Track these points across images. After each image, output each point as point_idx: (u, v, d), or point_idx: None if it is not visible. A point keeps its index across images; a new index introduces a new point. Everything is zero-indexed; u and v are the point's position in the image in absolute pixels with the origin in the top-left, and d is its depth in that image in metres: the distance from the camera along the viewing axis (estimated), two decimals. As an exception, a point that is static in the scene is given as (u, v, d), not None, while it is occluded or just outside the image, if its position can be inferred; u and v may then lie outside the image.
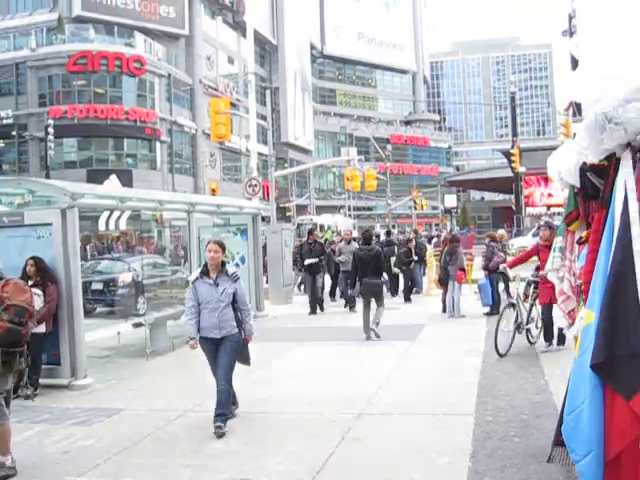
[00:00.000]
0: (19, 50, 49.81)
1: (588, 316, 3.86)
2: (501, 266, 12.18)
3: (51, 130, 39.76)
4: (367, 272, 12.15)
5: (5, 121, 48.57)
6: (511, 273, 11.29)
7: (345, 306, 16.84)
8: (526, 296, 10.80)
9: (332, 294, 19.26)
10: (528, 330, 10.66)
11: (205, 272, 6.85)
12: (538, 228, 36.62)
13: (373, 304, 12.29)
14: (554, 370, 8.58)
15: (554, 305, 8.99)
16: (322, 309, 16.95)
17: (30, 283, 8.27)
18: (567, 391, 4.21)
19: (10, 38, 51.54)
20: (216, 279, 6.79)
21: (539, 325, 10.77)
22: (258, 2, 65.41)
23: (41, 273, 8.80)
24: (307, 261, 17.06)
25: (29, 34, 50.34)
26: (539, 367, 9.11)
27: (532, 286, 10.64)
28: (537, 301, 10.54)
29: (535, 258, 10.70)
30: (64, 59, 47.47)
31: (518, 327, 10.32)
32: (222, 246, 6.92)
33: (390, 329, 12.28)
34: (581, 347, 3.93)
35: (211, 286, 6.77)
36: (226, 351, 6.75)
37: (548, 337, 10.28)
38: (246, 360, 7.08)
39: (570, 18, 22.82)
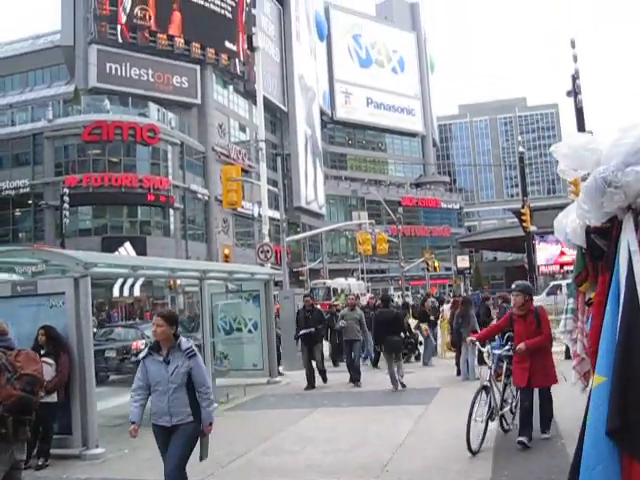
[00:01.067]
0: (37, 121, 50.84)
1: (598, 380, 3.83)
2: (468, 339, 10.11)
3: (66, 199, 40.32)
4: (390, 331, 13.83)
5: (22, 190, 49.21)
6: (482, 347, 8.89)
7: (350, 381, 15.14)
8: (497, 374, 8.91)
9: (334, 360, 18.66)
10: (502, 416, 8.76)
11: (156, 348, 5.92)
12: (552, 287, 36.54)
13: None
14: (571, 432, 8.43)
15: (534, 389, 8.32)
16: (324, 380, 15.54)
17: (42, 352, 8.31)
18: (580, 450, 4.13)
19: (28, 110, 52.72)
20: (167, 356, 5.82)
21: (515, 409, 8.87)
22: (268, 71, 66.94)
23: (53, 342, 8.83)
24: (302, 331, 15.31)
25: (46, 106, 51.46)
26: (555, 429, 8.93)
27: (505, 362, 8.85)
28: (511, 380, 8.75)
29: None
30: (80, 129, 48.37)
31: (491, 414, 8.41)
32: (170, 318, 5.93)
33: (405, 393, 12.15)
34: (593, 409, 3.88)
35: (161, 364, 5.83)
36: (177, 443, 5.77)
37: (526, 431, 8.14)
38: (204, 453, 6.05)
39: (574, 79, 23.12)
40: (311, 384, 14.97)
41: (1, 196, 49.23)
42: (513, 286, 8.60)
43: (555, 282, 39.59)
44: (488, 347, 8.94)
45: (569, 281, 6.01)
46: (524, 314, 8.28)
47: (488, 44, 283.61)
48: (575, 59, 23.01)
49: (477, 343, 8.89)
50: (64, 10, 53.25)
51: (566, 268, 45.51)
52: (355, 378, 14.99)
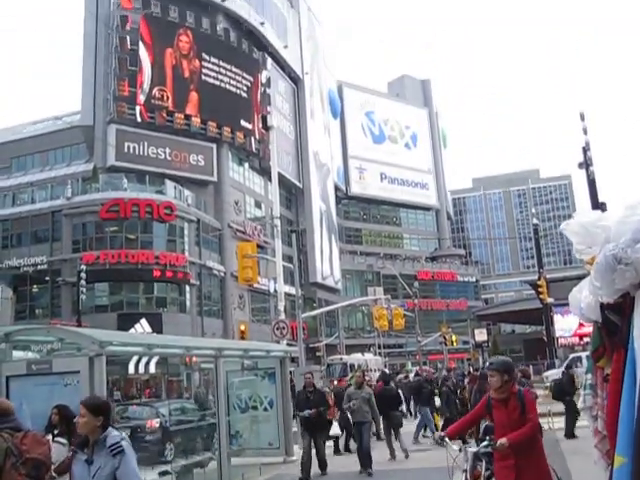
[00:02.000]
0: (55, 199, 51.71)
1: (618, 461, 3.74)
2: (437, 434, 8.85)
3: (83, 275, 40.62)
4: (392, 407, 14.46)
5: (40, 267, 49.65)
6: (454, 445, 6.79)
7: (361, 472, 13.65)
8: (476, 477, 6.79)
9: (345, 446, 17.49)
10: None
11: (82, 444, 4.88)
12: (572, 360, 35.97)
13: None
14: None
15: None
16: (323, 470, 13.93)
17: (55, 432, 8.23)
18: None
19: (48, 188, 53.70)
20: (92, 454, 4.76)
21: None
22: (283, 148, 68.04)
23: (66, 422, 8.74)
24: (303, 412, 13.86)
25: (65, 184, 52.40)
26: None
27: (484, 461, 6.72)
28: None
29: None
30: (97, 207, 49.06)
31: None
32: (94, 407, 4.89)
33: (420, 472, 11.87)
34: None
35: (84, 465, 4.78)
36: None
37: None
38: None
39: (585, 151, 23.30)
40: (306, 474, 13.30)
41: (19, 273, 49.63)
42: (487, 363, 7.11)
43: (575, 354, 38.99)
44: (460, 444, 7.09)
45: (589, 353, 5.88)
46: (504, 398, 6.47)
47: (499, 117, 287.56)
48: (585, 131, 23.24)
49: (447, 440, 6.74)
50: (84, 91, 54.72)
51: (585, 340, 44.91)
52: (366, 464, 13.64)
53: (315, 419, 13.67)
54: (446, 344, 66.72)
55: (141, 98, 54.96)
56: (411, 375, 32.82)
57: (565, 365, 35.56)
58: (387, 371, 45.58)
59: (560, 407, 17.06)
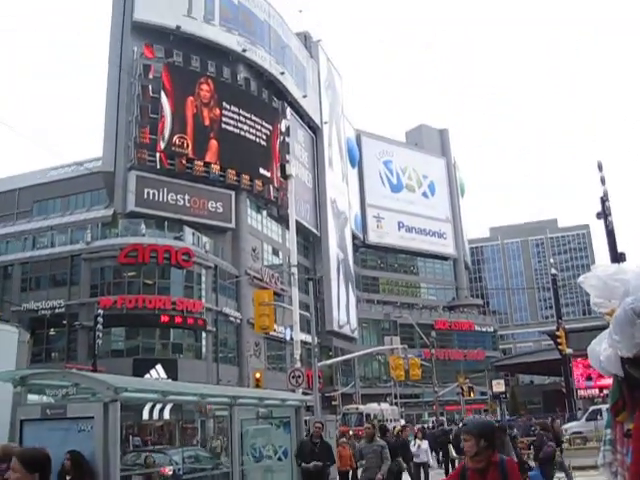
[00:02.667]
0: (75, 244, 52.18)
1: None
2: None
3: (100, 320, 40.66)
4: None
5: (57, 310, 49.86)
6: None
7: None
8: None
9: None
10: None
11: None
12: (592, 412, 35.33)
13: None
14: None
15: None
16: None
17: (68, 478, 8.19)
18: None
19: (68, 232, 54.20)
20: None
21: None
22: (301, 196, 68.46)
23: (78, 468, 8.69)
24: (308, 464, 12.83)
25: (85, 228, 52.97)
26: None
27: None
28: None
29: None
30: (116, 252, 49.39)
31: None
32: (32, 463, 4.06)
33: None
34: None
35: None
36: None
37: None
38: None
39: (603, 201, 23.19)
40: None
41: (37, 316, 49.80)
42: (461, 425, 4.92)
43: (595, 406, 38.34)
44: None
45: (608, 406, 5.75)
46: (481, 468, 5.10)
47: (517, 166, 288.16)
48: (603, 181, 23.15)
49: None
50: (106, 138, 55.54)
51: (606, 391, 44.19)
52: None
53: (318, 473, 12.83)
54: (463, 395, 65.80)
55: (161, 145, 55.68)
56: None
57: (585, 417, 35.06)
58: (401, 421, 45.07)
59: (580, 461, 16.76)
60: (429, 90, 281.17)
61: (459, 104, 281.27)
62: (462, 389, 64.32)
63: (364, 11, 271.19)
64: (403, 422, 54.61)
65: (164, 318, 49.04)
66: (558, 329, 41.34)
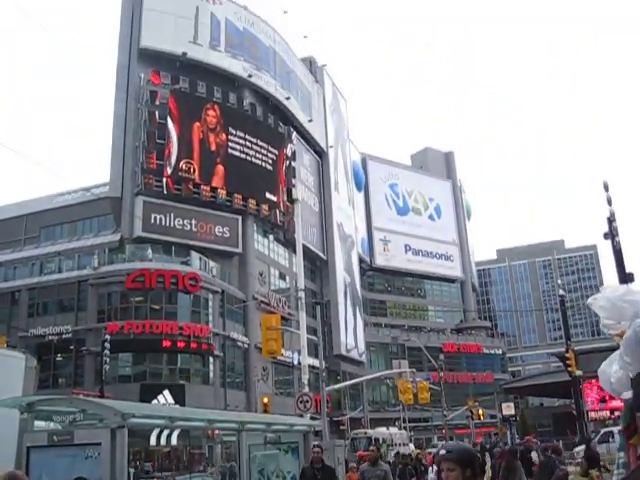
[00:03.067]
0: (82, 269, 52.25)
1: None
2: None
3: (107, 345, 40.56)
4: None
5: (64, 336, 49.82)
6: None
7: None
8: None
9: None
10: None
11: None
12: (603, 434, 34.95)
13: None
14: None
15: None
16: None
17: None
18: None
19: (75, 258, 54.27)
20: None
21: None
22: (308, 221, 68.56)
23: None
24: None
25: (92, 254, 53.10)
26: None
27: None
28: None
29: None
30: (123, 277, 49.42)
31: None
32: None
33: None
34: None
35: None
36: None
37: None
38: None
39: (610, 221, 23.09)
40: None
41: (44, 341, 49.80)
42: (442, 451, 4.21)
43: (606, 429, 37.94)
44: None
45: (621, 427, 5.68)
46: None
47: (523, 187, 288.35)
48: (609, 202, 23.07)
49: None
50: (113, 164, 55.79)
51: (617, 413, 43.71)
52: None
53: None
54: (473, 418, 65.34)
55: (168, 170, 55.87)
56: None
57: (597, 440, 34.67)
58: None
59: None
60: (429, 90, 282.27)
61: (459, 104, 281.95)
62: (471, 412, 63.88)
63: (362, 17, 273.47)
64: (412, 446, 54.27)
65: (171, 343, 48.94)
66: (567, 351, 41.02)
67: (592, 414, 48.13)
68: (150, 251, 52.93)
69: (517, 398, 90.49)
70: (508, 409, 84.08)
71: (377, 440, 50.12)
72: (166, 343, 48.52)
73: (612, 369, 4.77)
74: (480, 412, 66.86)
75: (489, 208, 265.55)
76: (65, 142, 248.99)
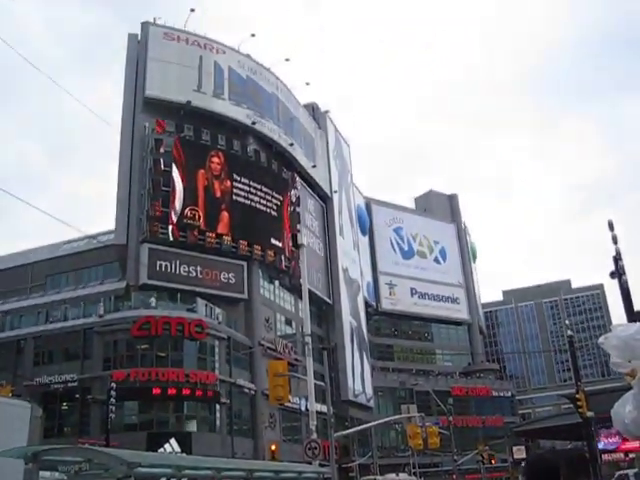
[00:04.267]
0: (88, 317, 52.25)
1: None
2: None
3: (113, 393, 40.27)
4: None
5: (70, 384, 49.51)
6: None
7: None
8: None
9: None
10: None
11: None
12: (618, 477, 34.35)
13: None
14: None
15: None
16: None
17: None
18: None
19: (80, 306, 54.31)
20: None
21: None
22: (313, 266, 68.54)
23: None
24: None
25: (98, 301, 53.09)
26: None
27: None
28: None
29: None
30: (129, 324, 49.32)
31: None
32: None
33: None
34: None
35: None
36: None
37: None
38: None
39: (616, 261, 23.00)
40: None
41: (49, 390, 49.51)
42: None
43: (621, 472, 37.28)
44: None
45: (637, 470, 5.60)
46: None
47: (527, 229, 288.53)
48: (615, 240, 23.02)
49: None
50: (119, 212, 56.04)
51: (631, 455, 43.00)
52: None
53: None
54: (484, 463, 64.44)
55: (173, 218, 56.12)
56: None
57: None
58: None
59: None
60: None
61: (461, 144, 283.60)
62: (482, 457, 63.06)
63: (364, 58, 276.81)
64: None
65: (177, 391, 48.53)
66: (577, 392, 40.57)
67: (605, 456, 47.40)
68: (154, 299, 52.90)
69: (528, 441, 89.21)
70: (519, 452, 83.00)
71: (386, 487, 49.35)
72: (172, 391, 48.09)
73: (626, 410, 4.71)
74: (491, 456, 65.98)
75: (494, 249, 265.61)
76: (67, 189, 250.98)
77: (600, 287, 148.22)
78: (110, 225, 58.34)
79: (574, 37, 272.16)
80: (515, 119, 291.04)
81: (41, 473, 10.80)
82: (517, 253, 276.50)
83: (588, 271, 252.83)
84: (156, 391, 47.53)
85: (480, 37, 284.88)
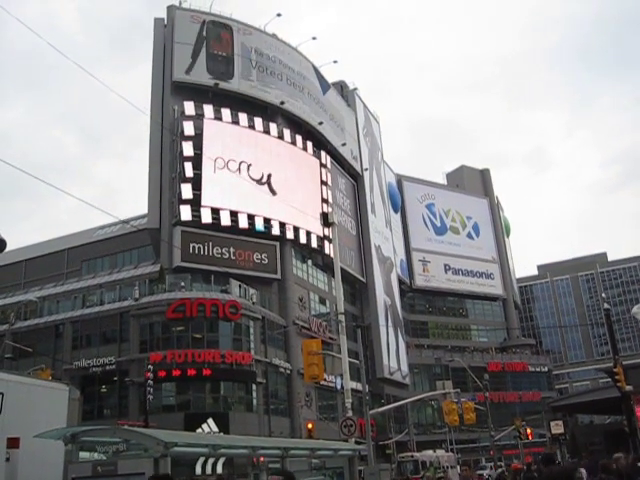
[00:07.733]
0: (123, 300, 52.99)
1: None
2: None
3: (151, 375, 40.74)
4: None
5: (108, 367, 50.33)
6: None
7: None
8: None
9: None
10: None
11: None
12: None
13: None
14: None
15: None
16: None
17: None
18: None
19: (116, 290, 55.02)
20: None
21: None
22: (345, 244, 68.47)
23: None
24: None
25: (133, 285, 53.76)
26: None
27: None
28: None
29: None
30: (164, 307, 49.79)
31: None
32: None
33: None
34: None
35: None
36: None
37: None
38: None
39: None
40: None
41: (88, 373, 50.42)
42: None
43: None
44: None
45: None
46: None
47: (561, 203, 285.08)
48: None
49: None
50: (151, 196, 56.46)
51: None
52: None
53: None
54: (521, 438, 64.17)
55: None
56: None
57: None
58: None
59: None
60: (464, 103, 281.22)
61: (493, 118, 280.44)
62: (519, 432, 62.78)
63: (391, 34, 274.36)
64: (459, 469, 53.40)
65: (214, 372, 48.97)
66: (615, 366, 40.12)
67: (645, 430, 46.81)
68: (188, 281, 53.29)
69: (566, 416, 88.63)
70: (557, 427, 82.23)
71: (424, 463, 49.52)
72: (207, 372, 48.53)
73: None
74: (528, 431, 65.67)
75: (528, 223, 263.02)
76: (102, 176, 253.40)
77: (637, 259, 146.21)
78: (143, 210, 58.80)
79: (613, 12, 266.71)
80: (550, 93, 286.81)
81: (81, 454, 10.97)
82: (552, 227, 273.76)
83: (625, 244, 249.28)
84: (191, 372, 47.98)
85: (516, 11, 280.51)
